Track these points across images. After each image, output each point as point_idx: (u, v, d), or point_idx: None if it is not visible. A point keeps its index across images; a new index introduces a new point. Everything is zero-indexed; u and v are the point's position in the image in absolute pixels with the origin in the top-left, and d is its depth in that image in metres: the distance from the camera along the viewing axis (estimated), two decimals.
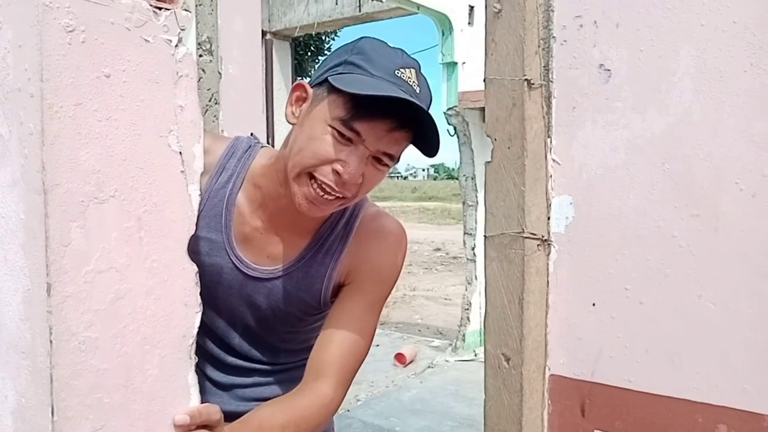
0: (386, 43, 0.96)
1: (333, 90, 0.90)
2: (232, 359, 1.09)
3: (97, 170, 0.65)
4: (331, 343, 1.01)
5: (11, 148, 0.66)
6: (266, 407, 0.95)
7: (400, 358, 5.65)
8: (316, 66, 1.01)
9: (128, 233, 0.68)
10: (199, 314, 0.76)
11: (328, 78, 0.91)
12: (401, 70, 0.91)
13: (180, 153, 0.73)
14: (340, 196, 0.92)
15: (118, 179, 0.67)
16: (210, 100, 2.17)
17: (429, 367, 5.66)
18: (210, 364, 1.09)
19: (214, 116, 2.17)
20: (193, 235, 0.99)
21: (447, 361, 5.82)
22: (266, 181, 1.01)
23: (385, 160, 0.93)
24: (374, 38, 0.96)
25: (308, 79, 1.05)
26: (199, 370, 1.07)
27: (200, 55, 2.15)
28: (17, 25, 0.64)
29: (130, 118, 0.68)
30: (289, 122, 0.97)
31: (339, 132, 0.89)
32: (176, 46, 0.72)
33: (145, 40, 0.69)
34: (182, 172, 0.73)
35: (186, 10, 0.72)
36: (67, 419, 0.64)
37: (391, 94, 0.86)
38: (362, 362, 1.05)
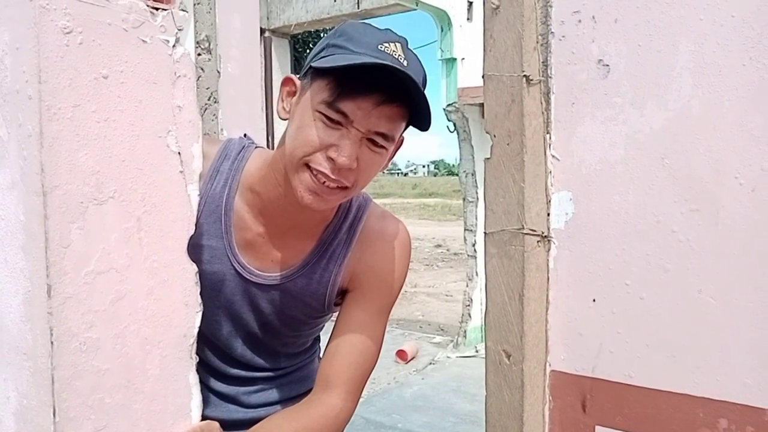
0: (371, 24, 0.92)
1: (316, 75, 0.86)
2: (235, 371, 1.08)
3: (96, 171, 0.65)
4: (339, 353, 0.99)
5: (10, 150, 0.66)
6: (275, 418, 0.94)
7: (401, 354, 5.66)
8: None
9: (128, 234, 0.68)
10: (200, 314, 0.76)
11: (312, 65, 0.88)
12: (385, 44, 0.86)
13: (179, 153, 0.73)
14: (340, 185, 0.88)
15: (117, 180, 0.67)
16: (209, 99, 2.17)
17: (430, 363, 5.66)
18: (212, 376, 1.08)
19: (214, 115, 2.17)
20: (192, 244, 0.97)
21: (448, 357, 5.82)
22: (264, 185, 0.98)
23: (379, 141, 0.88)
24: (358, 21, 0.93)
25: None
26: (202, 383, 1.07)
27: (199, 54, 2.15)
28: (14, 28, 0.64)
29: (128, 119, 0.68)
30: (281, 118, 0.94)
31: (326, 116, 0.85)
32: (174, 46, 0.72)
33: (143, 40, 0.69)
34: (181, 172, 0.73)
35: (183, 10, 0.72)
36: (69, 420, 0.64)
37: (368, 61, 0.81)
38: (371, 370, 1.03)
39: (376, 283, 1.03)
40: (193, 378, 0.76)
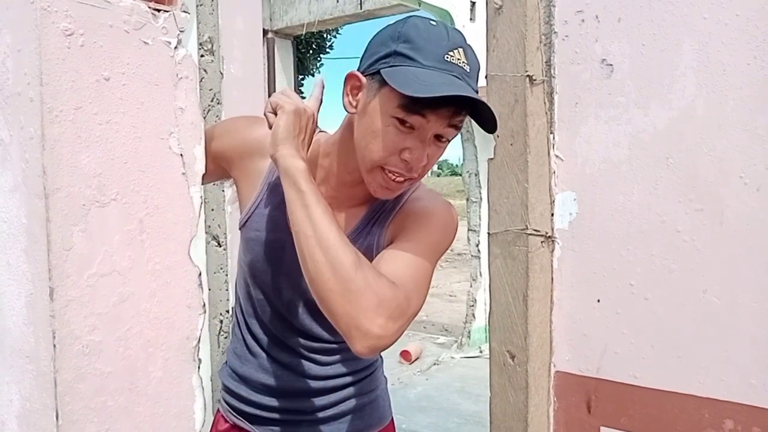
0: (429, 22, 0.94)
1: (387, 83, 0.90)
2: (295, 339, 1.11)
3: (98, 174, 0.65)
4: (396, 260, 0.93)
5: (12, 152, 0.66)
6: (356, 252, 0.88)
7: (405, 355, 5.66)
8: (364, 52, 1.00)
9: (130, 236, 0.68)
10: (202, 316, 0.76)
11: (381, 71, 0.91)
12: (450, 53, 0.91)
13: (181, 155, 0.73)
14: (410, 178, 0.96)
15: (119, 182, 0.67)
16: (212, 100, 2.17)
17: (435, 364, 5.66)
18: (275, 345, 1.12)
19: (217, 116, 2.17)
20: (256, 213, 1.05)
21: (452, 357, 5.82)
22: (329, 161, 1.04)
23: (446, 136, 0.95)
24: (418, 19, 0.96)
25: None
26: (264, 351, 1.11)
27: (202, 56, 2.15)
28: (16, 30, 0.64)
29: (130, 120, 0.68)
30: (347, 111, 0.99)
31: (400, 120, 0.91)
32: (176, 47, 0.71)
33: (144, 42, 0.69)
34: (183, 174, 0.73)
35: (185, 11, 0.72)
36: (72, 423, 0.64)
37: (446, 94, 0.86)
38: (423, 301, 0.94)
39: (417, 222, 1.01)
40: (196, 380, 0.76)
